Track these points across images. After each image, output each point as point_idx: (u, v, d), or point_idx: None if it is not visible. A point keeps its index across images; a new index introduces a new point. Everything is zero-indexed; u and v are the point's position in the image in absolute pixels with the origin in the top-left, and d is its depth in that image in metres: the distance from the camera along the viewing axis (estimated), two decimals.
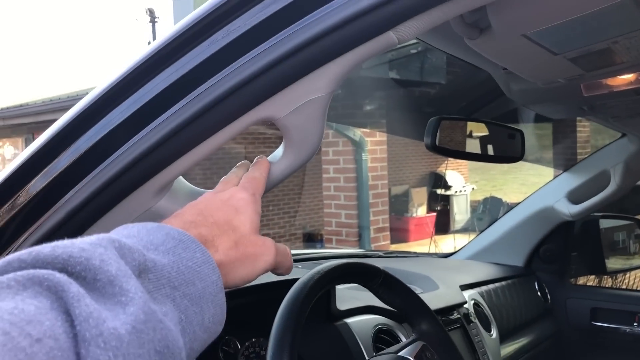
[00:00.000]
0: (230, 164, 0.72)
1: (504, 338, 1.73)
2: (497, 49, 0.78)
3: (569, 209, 1.98)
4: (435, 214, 10.54)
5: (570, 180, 2.03)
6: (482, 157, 1.41)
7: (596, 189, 1.95)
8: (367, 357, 1.12)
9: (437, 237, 8.65)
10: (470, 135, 1.38)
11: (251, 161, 0.69)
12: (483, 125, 1.40)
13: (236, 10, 0.60)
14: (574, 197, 2.00)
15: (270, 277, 1.15)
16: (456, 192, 10.98)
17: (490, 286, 1.83)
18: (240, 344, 1.14)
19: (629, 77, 1.07)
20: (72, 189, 0.66)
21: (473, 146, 1.38)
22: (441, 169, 11.72)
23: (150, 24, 14.30)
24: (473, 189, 11.66)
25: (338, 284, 1.03)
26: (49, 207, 0.67)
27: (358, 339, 1.18)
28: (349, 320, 1.22)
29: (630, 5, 0.67)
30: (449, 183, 11.12)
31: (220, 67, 0.60)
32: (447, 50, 0.97)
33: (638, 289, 3.28)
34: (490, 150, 1.41)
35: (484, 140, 1.42)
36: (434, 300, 1.46)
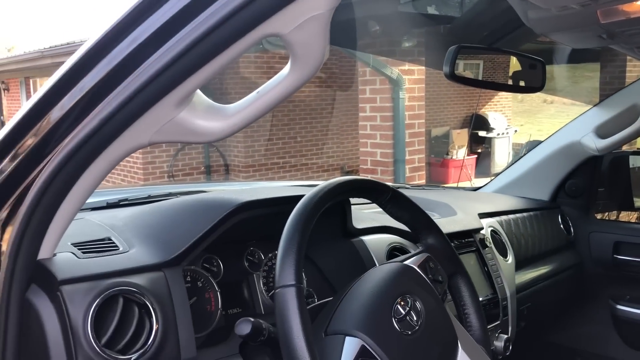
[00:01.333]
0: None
1: (521, 265, 1.79)
2: None
3: (595, 143, 1.99)
4: (476, 156, 10.45)
5: (599, 115, 2.02)
6: (502, 86, 1.45)
7: (625, 124, 1.94)
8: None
9: (477, 180, 8.61)
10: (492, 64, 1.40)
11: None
12: (504, 55, 1.42)
13: None
14: (602, 131, 2.00)
15: (293, 192, 1.23)
16: (498, 134, 10.81)
17: (511, 216, 1.88)
18: (264, 255, 1.25)
19: None
20: (105, 99, 0.75)
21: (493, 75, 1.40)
22: (484, 111, 11.52)
23: None
24: (516, 131, 11.45)
25: (348, 197, 1.11)
26: (85, 116, 0.76)
27: (372, 254, 1.27)
28: (365, 238, 1.31)
29: None
30: (492, 125, 10.94)
31: None
32: None
33: None
34: (510, 79, 1.44)
35: (504, 70, 1.44)
36: (450, 224, 1.53)
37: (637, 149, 3.51)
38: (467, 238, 1.57)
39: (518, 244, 1.82)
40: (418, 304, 0.95)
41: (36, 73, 10.80)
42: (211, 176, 8.37)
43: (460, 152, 10.14)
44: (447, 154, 10.10)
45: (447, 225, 1.50)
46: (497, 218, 1.80)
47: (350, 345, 0.85)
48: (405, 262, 1.03)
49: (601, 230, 2.14)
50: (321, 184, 0.96)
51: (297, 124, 8.97)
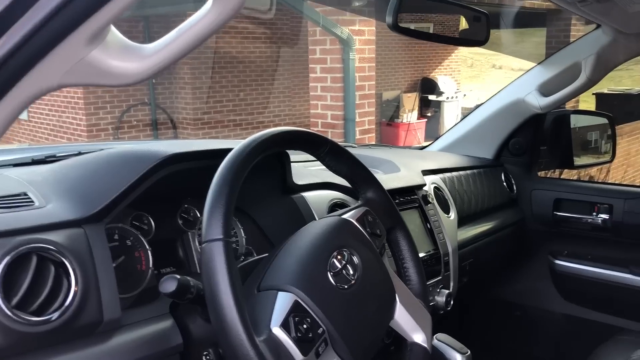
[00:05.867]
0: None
1: (464, 221, 1.80)
2: None
3: (538, 101, 2.00)
4: (425, 119, 10.56)
5: (542, 73, 2.03)
6: (445, 39, 1.42)
7: (567, 82, 1.96)
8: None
9: (426, 143, 8.71)
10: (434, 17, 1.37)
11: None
12: (448, 6, 1.39)
13: None
14: (545, 89, 2.01)
15: (227, 145, 1.18)
16: (448, 98, 10.94)
17: (455, 174, 1.88)
18: (200, 212, 1.19)
19: None
20: (5, 33, 0.67)
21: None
22: (434, 75, 11.59)
23: None
24: (465, 95, 11.60)
25: (283, 149, 1.07)
26: None
27: (313, 210, 1.23)
28: (306, 194, 1.27)
29: None
30: (441, 89, 11.05)
31: None
32: None
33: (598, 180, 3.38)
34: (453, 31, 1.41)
35: (448, 21, 1.41)
36: (393, 180, 1.51)
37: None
38: (410, 194, 1.56)
39: (461, 201, 1.83)
40: (355, 258, 0.92)
41: None
42: (158, 133, 8.20)
43: (410, 115, 10.22)
44: (398, 117, 10.16)
45: (390, 181, 1.48)
46: (441, 175, 1.80)
47: (283, 301, 0.82)
48: (343, 216, 1.00)
49: (542, 188, 2.17)
50: (254, 134, 0.91)
51: (248, 86, 8.82)
